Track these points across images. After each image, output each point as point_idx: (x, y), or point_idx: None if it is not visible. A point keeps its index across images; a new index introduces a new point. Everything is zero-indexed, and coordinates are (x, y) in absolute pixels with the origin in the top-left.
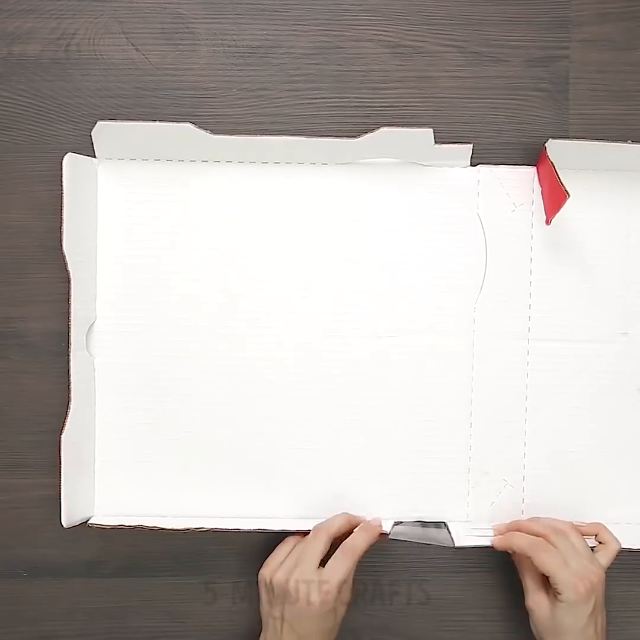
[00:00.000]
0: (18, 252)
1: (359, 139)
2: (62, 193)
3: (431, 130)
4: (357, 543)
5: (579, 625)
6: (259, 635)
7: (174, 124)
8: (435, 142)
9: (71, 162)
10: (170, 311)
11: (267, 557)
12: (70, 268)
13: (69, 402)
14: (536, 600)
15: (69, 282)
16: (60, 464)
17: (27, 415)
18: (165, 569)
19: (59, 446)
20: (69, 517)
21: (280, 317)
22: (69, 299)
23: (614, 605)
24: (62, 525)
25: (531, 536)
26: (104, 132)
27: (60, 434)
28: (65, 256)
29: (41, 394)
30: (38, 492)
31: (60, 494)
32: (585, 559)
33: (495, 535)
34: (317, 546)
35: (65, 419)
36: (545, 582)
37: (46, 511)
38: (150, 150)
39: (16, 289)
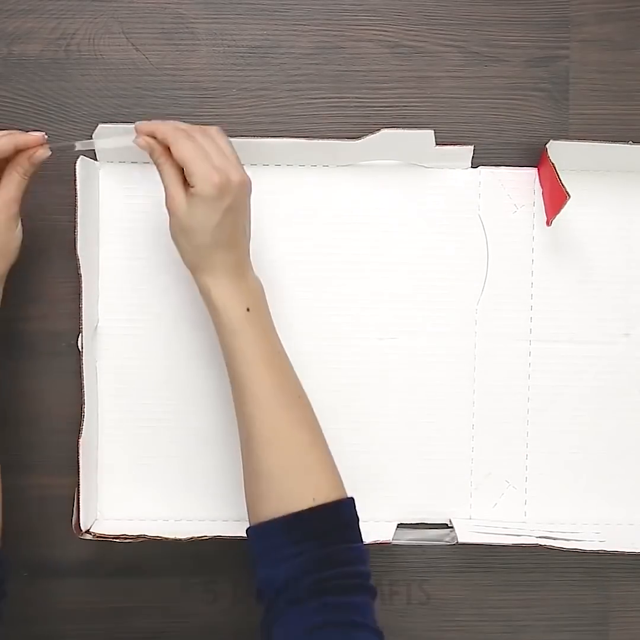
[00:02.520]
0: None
1: (359, 140)
2: (73, 195)
3: (432, 131)
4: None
5: (210, 223)
6: None
7: None
8: (436, 144)
9: (82, 166)
10: (171, 314)
11: None
12: (82, 271)
13: (83, 405)
14: (173, 196)
15: (80, 285)
16: (78, 466)
17: (27, 415)
18: (165, 569)
19: (77, 451)
20: (85, 522)
21: (282, 319)
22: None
23: (614, 606)
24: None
25: (176, 126)
26: (104, 135)
27: (78, 438)
28: (78, 259)
29: (41, 394)
30: (38, 492)
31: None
32: (229, 161)
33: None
34: None
35: (81, 423)
36: (185, 180)
37: (46, 511)
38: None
39: (16, 289)
